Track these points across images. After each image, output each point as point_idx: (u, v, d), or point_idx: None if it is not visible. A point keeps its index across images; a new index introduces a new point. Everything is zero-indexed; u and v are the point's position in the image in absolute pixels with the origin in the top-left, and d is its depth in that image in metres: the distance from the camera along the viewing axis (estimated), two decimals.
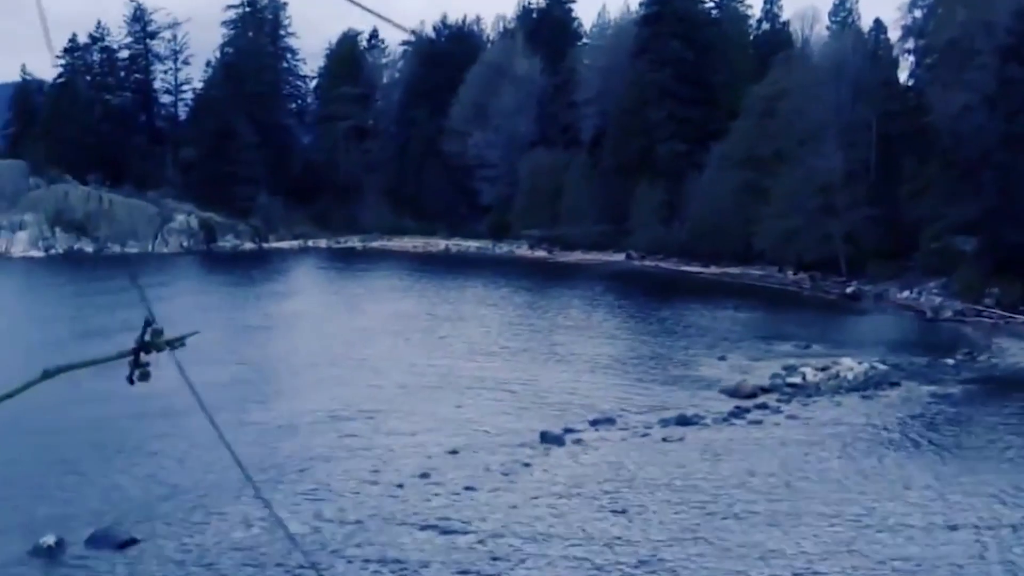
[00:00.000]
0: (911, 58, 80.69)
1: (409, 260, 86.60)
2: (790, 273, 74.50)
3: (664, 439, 28.38)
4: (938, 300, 60.30)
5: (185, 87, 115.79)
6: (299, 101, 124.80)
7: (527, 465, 25.06)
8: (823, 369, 38.90)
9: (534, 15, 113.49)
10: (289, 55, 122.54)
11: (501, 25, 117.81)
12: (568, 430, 28.78)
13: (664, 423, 30.19)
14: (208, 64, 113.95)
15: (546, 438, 27.65)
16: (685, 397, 34.57)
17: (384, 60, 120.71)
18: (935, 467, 26.48)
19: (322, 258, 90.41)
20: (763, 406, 33.26)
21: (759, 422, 30.94)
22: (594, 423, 29.86)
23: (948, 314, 56.96)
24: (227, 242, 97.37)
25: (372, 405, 32.25)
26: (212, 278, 76.26)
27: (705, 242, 79.44)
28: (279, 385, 34.93)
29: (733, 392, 35.24)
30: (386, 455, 26.24)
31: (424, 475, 24.10)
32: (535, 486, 23.35)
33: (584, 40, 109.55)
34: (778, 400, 34.55)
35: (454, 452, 26.32)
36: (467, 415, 30.75)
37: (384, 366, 39.70)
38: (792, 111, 75.82)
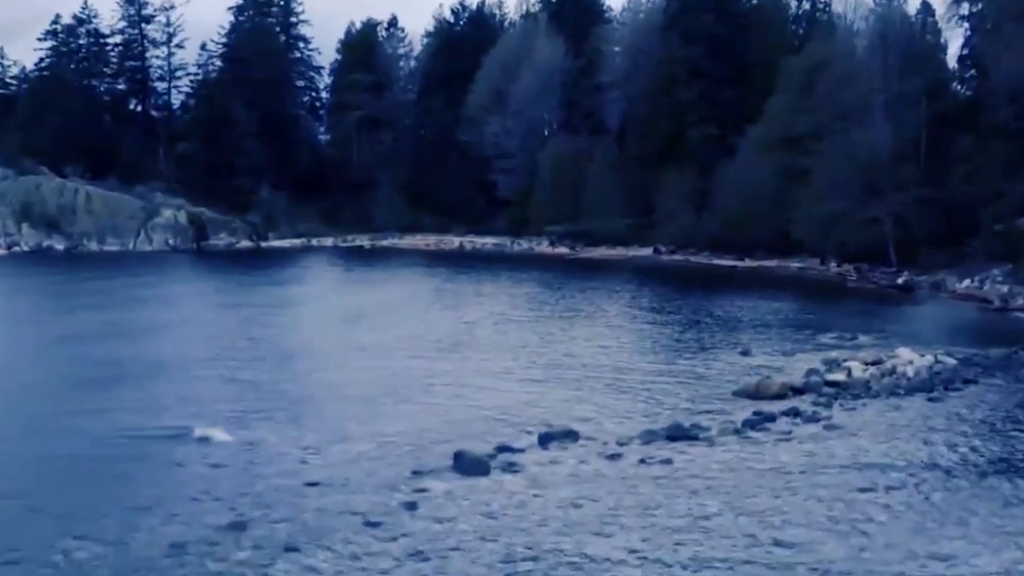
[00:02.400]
0: (965, 24, 73.33)
1: (418, 259, 79.51)
2: (833, 265, 67.59)
3: (642, 460, 19.87)
4: (1005, 288, 53.44)
5: (179, 73, 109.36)
6: (313, 93, 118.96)
7: (411, 507, 16.75)
8: (874, 363, 30.28)
9: None
10: (302, 43, 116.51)
11: (524, 7, 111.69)
12: (503, 448, 20.39)
13: (647, 438, 21.67)
14: (203, 47, 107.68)
15: (462, 463, 19.09)
16: (685, 401, 26.12)
17: (402, 50, 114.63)
18: None
19: (324, 258, 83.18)
20: (793, 412, 24.80)
21: (787, 433, 22.67)
22: (545, 439, 21.27)
23: (1019, 302, 49.80)
24: (220, 240, 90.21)
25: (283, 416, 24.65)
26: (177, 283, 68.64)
27: (738, 233, 72.51)
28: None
29: (753, 394, 26.78)
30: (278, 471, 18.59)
31: (237, 525, 16.14)
32: (411, 542, 15.34)
33: (613, 22, 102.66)
34: (814, 404, 26.13)
35: (313, 485, 18.20)
36: (365, 431, 22.52)
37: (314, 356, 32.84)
38: (834, 82, 68.63)
